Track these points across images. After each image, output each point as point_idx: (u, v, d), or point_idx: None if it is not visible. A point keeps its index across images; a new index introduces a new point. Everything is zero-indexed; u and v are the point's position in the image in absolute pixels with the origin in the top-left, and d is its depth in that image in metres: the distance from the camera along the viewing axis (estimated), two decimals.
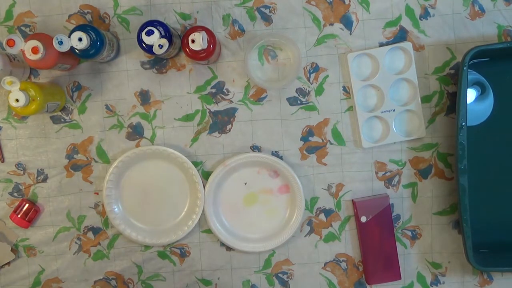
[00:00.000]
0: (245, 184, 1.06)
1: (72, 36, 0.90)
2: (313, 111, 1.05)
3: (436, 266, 1.07)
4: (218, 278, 1.07)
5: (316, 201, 1.06)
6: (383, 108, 1.03)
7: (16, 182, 1.05)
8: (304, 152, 1.05)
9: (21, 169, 1.05)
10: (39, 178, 1.05)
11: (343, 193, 1.06)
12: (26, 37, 0.92)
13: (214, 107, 1.05)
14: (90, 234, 1.06)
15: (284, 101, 1.04)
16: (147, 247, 1.07)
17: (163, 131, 1.05)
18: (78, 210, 1.06)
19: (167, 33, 0.93)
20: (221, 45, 1.03)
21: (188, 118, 1.05)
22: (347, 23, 1.03)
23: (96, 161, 1.05)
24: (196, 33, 0.92)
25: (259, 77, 1.04)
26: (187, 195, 1.05)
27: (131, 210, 1.06)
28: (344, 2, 1.03)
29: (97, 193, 1.06)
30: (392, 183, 1.06)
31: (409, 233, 1.07)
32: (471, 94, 1.03)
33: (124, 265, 1.07)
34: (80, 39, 0.90)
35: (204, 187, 1.04)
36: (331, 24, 1.03)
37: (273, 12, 1.03)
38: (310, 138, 1.05)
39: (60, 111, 1.04)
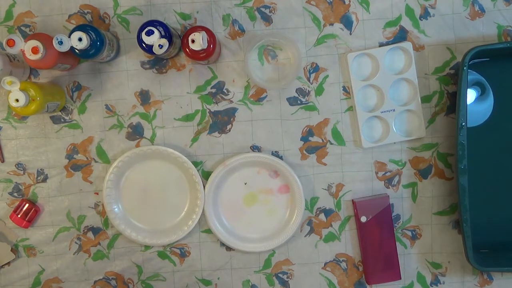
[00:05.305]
0: (245, 184, 1.06)
1: (72, 36, 0.90)
2: (313, 111, 1.05)
3: (436, 266, 1.07)
4: (218, 278, 1.07)
5: (316, 201, 1.06)
6: (383, 108, 1.03)
7: (16, 182, 1.05)
8: (304, 152, 1.05)
9: (21, 169, 1.05)
10: (39, 178, 1.05)
11: (343, 193, 1.06)
12: (26, 37, 0.92)
13: (214, 107, 1.05)
14: (90, 234, 1.06)
15: (284, 101, 1.04)
16: (147, 247, 1.07)
17: (163, 131, 1.05)
18: (78, 210, 1.06)
19: (167, 33, 0.93)
20: (221, 45, 1.03)
21: (188, 118, 1.05)
22: (347, 23, 1.03)
23: (96, 161, 1.05)
24: (196, 33, 0.92)
25: (259, 77, 1.04)
26: (187, 195, 1.05)
27: (131, 210, 1.06)
28: (344, 2, 1.03)
29: (97, 193, 1.06)
30: (392, 183, 1.06)
31: (409, 233, 1.07)
32: (471, 94, 1.03)
33: (124, 265, 1.07)
34: (80, 39, 0.90)
35: (204, 187, 1.03)
36: (331, 24, 1.03)
37: (273, 12, 1.03)
38: (310, 138, 1.05)
39: (60, 111, 1.04)
